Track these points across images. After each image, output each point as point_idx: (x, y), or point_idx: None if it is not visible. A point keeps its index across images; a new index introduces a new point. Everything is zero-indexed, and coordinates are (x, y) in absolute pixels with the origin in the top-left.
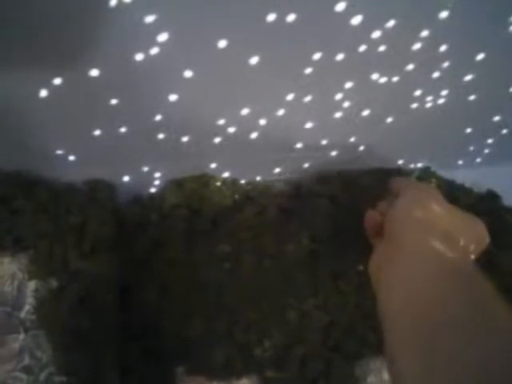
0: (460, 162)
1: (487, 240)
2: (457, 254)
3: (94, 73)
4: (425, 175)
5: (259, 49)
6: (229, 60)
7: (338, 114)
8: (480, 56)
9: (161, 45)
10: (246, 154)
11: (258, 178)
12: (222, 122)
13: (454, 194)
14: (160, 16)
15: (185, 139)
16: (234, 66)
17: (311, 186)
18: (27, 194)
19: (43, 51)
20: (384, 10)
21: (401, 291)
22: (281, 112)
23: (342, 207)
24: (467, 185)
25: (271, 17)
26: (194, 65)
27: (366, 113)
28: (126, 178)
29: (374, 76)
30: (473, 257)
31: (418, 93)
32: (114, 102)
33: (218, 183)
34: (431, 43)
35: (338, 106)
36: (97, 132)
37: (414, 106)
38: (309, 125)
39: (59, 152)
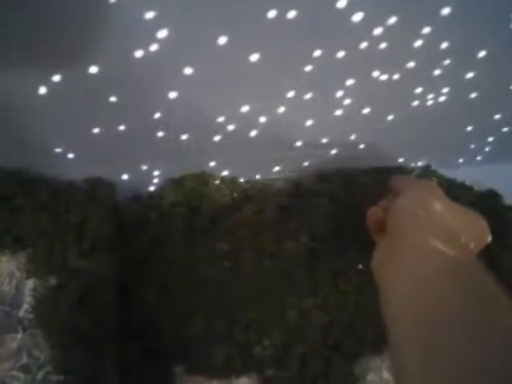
0: (460, 161)
1: (489, 236)
2: (458, 251)
3: (94, 70)
4: (425, 173)
5: (259, 46)
6: (229, 57)
7: (338, 112)
8: (481, 53)
9: (160, 41)
10: (245, 152)
11: (258, 177)
12: (221, 119)
13: (455, 192)
14: (160, 12)
15: (184, 137)
16: (234, 63)
17: (311, 185)
18: (27, 193)
19: (42, 48)
20: (385, 7)
21: (403, 287)
22: (281, 109)
23: (341, 206)
24: (468, 183)
25: (272, 13)
26: (193, 62)
27: (366, 111)
28: (125, 176)
29: (375, 73)
30: (475, 250)
31: (418, 90)
32: (113, 99)
33: (217, 181)
34: (432, 40)
35: (338, 103)
36: (96, 130)
37: (415, 103)
38: (309, 123)
39: (58, 150)
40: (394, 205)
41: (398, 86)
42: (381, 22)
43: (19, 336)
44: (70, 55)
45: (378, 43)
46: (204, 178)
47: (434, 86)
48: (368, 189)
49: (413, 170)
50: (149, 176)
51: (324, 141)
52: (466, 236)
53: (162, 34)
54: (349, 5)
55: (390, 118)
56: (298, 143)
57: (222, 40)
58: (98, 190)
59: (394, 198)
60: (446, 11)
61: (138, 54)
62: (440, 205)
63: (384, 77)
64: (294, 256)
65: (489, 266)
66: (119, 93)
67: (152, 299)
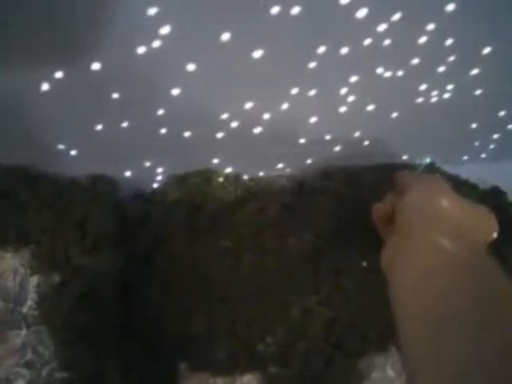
0: (465, 158)
1: (496, 231)
2: (466, 248)
3: (96, 66)
4: (429, 171)
5: (263, 42)
6: (232, 53)
7: (342, 109)
8: (486, 50)
9: (163, 38)
10: (249, 149)
11: (261, 174)
12: (225, 116)
13: (459, 189)
14: (162, 8)
15: (187, 134)
16: (238, 59)
17: (314, 182)
18: (30, 189)
19: (45, 45)
20: (389, 3)
21: (412, 284)
22: (285, 106)
23: (345, 203)
24: (472, 180)
25: (275, 9)
26: (196, 58)
27: (370, 107)
28: (128, 174)
29: (379, 70)
30: (485, 243)
31: (423, 87)
32: (116, 96)
33: (221, 179)
34: (437, 37)
35: (342, 100)
36: (99, 127)
37: (419, 100)
38: (313, 119)
39: (61, 147)
40: (402, 202)
41: (402, 83)
42: (385, 18)
43: (23, 332)
44: (73, 52)
45: (382, 40)
46: (207, 175)
47: (438, 82)
48: (372, 186)
49: (417, 167)
50: (152, 173)
51: (328, 138)
52: (474, 231)
53: (165, 30)
54: (353, 1)
55: (394, 114)
56: (302, 140)
57: (226, 36)
58: (101, 187)
59: (400, 193)
60: (450, 7)
61: (141, 50)
62: (447, 201)
63: (388, 73)
64: (297, 253)
65: None
66: (122, 89)
67: (155, 296)
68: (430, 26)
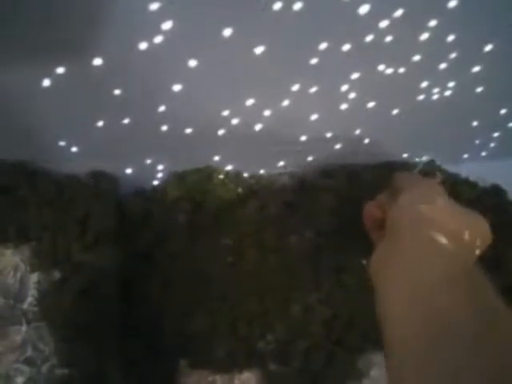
0: (465, 156)
1: (491, 237)
2: (458, 260)
3: (97, 62)
4: (429, 169)
5: (265, 38)
6: (234, 50)
7: (343, 106)
8: (488, 47)
9: (165, 33)
10: (249, 146)
11: (262, 172)
12: (226, 113)
13: (459, 188)
14: (164, 4)
15: (188, 131)
16: (239, 55)
17: (315, 180)
18: (31, 185)
19: (46, 40)
20: (391, 0)
21: (403, 295)
22: (285, 103)
23: (345, 201)
24: (472, 179)
25: (277, 5)
26: (198, 54)
27: (371, 104)
28: (128, 171)
29: (381, 67)
30: (478, 252)
31: (424, 84)
32: (117, 92)
33: (222, 176)
34: (438, 34)
35: (343, 97)
36: (100, 123)
37: (421, 97)
38: (314, 116)
39: (62, 143)
40: (395, 205)
41: (404, 80)
42: (387, 14)
43: (23, 329)
44: (74, 47)
45: (384, 36)
46: (208, 173)
47: (439, 79)
48: (372, 184)
49: (417, 165)
50: (152, 170)
51: (329, 135)
52: (470, 233)
53: (167, 25)
54: None
55: (395, 112)
56: (303, 138)
57: (227, 32)
58: (102, 183)
59: (393, 195)
60: (452, 4)
61: (143, 46)
62: (440, 206)
63: (389, 70)
64: (298, 251)
65: (494, 263)
66: (123, 86)
67: (155, 294)
68: (432, 23)
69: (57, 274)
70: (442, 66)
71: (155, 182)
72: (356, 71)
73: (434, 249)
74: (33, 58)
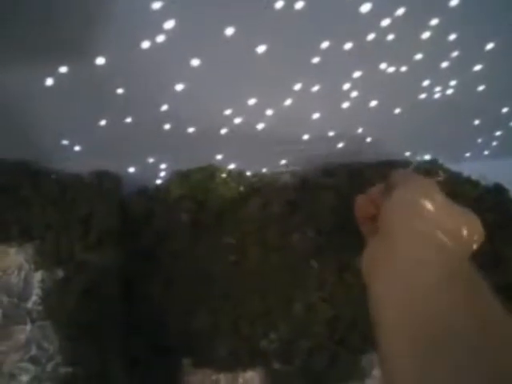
0: (467, 155)
1: (483, 237)
2: (461, 247)
3: (100, 61)
4: (431, 167)
5: (267, 37)
6: (236, 48)
7: (345, 105)
8: (490, 46)
9: (167, 32)
10: (252, 145)
11: (264, 170)
12: (228, 112)
13: (461, 186)
14: (167, 3)
15: (191, 130)
16: (241, 54)
17: (317, 179)
18: (34, 185)
19: (46, 40)
20: None
21: (397, 295)
22: (288, 102)
23: (347, 200)
24: (474, 177)
25: (279, 4)
26: (200, 53)
27: (373, 103)
28: (131, 170)
29: (382, 66)
30: (475, 247)
31: (426, 83)
32: (120, 91)
33: (224, 175)
34: (440, 32)
35: (345, 96)
36: (102, 122)
37: (422, 96)
38: (316, 115)
39: (65, 142)
40: (388, 200)
41: (406, 79)
42: (389, 13)
43: (28, 328)
44: (77, 46)
45: (386, 35)
46: (210, 172)
47: (441, 78)
48: (374, 183)
49: (419, 163)
50: (155, 169)
51: (331, 134)
52: (467, 231)
53: (169, 24)
54: None
55: (397, 110)
56: (305, 136)
57: (229, 31)
58: (105, 183)
59: (388, 191)
60: (454, 2)
61: (145, 45)
62: (434, 203)
63: (391, 69)
64: (300, 250)
65: (495, 262)
66: (126, 85)
67: (158, 293)
68: (434, 22)
69: (60, 273)
70: (444, 64)
71: (158, 181)
72: (358, 70)
73: (432, 246)
74: (33, 58)
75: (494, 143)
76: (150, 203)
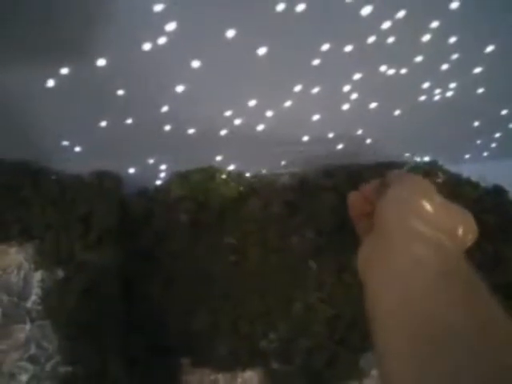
0: (467, 156)
1: (476, 235)
2: (457, 245)
3: (101, 63)
4: (431, 169)
5: (267, 39)
6: (236, 50)
7: (345, 107)
8: (489, 48)
9: (168, 34)
10: (252, 146)
11: (264, 171)
12: (228, 113)
13: (461, 188)
14: (168, 5)
15: (191, 131)
16: (242, 56)
17: (316, 180)
18: (34, 184)
19: (46, 40)
20: (394, 1)
21: (395, 295)
22: (288, 103)
23: (346, 201)
24: (474, 179)
25: (280, 6)
26: (201, 55)
27: (373, 105)
28: (131, 170)
29: (383, 68)
30: (468, 245)
31: (426, 85)
32: (120, 92)
33: (224, 176)
34: (440, 35)
35: (345, 97)
36: (103, 123)
37: (422, 98)
38: (316, 117)
39: (65, 143)
40: (384, 199)
41: (406, 81)
42: (389, 16)
43: (27, 327)
44: (77, 47)
45: (386, 37)
46: (210, 173)
47: (441, 80)
48: None
49: (418, 164)
50: (155, 170)
51: (330, 136)
52: (463, 229)
53: (171, 26)
54: None
55: (397, 112)
56: (305, 138)
57: (230, 33)
58: (105, 183)
59: (383, 190)
60: (454, 5)
61: (146, 46)
62: (429, 201)
63: (391, 71)
64: (300, 250)
65: (495, 262)
66: (126, 86)
67: (158, 292)
68: (434, 24)
69: (60, 273)
70: (444, 66)
71: (158, 182)
72: (358, 72)
73: (430, 245)
74: (34, 59)
75: (494, 145)
76: (150, 204)
